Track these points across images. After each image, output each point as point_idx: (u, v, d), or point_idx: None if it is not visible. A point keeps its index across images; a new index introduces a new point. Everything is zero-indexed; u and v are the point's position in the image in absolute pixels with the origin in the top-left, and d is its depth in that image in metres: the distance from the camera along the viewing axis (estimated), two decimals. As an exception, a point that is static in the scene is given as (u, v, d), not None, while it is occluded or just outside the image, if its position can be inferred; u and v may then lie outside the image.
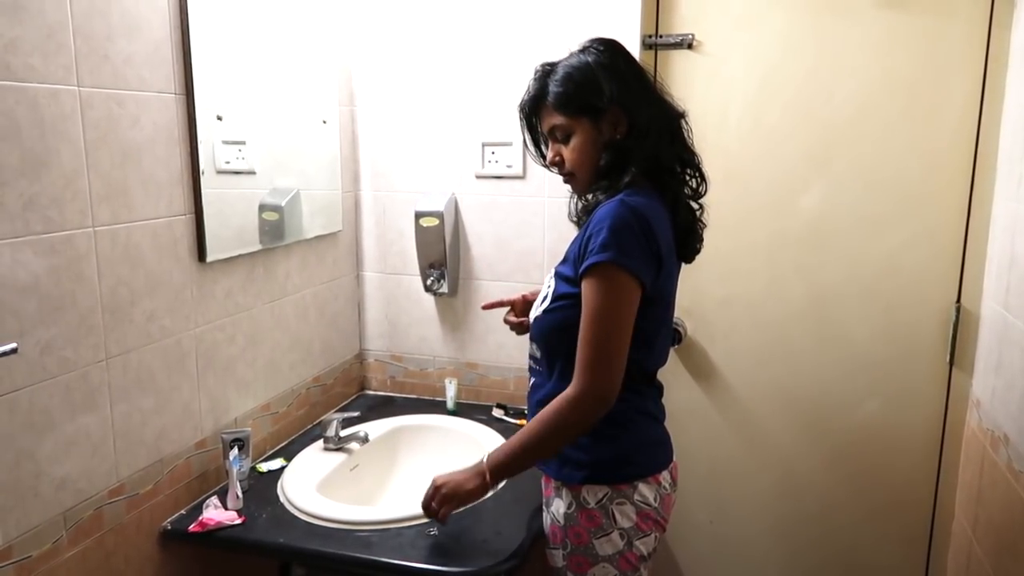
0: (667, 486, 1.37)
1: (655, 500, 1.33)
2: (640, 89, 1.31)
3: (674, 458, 1.42)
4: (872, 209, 1.85)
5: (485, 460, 1.33)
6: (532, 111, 1.39)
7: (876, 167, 1.83)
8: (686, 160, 1.35)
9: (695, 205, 1.39)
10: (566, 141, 1.34)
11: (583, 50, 1.34)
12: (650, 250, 1.23)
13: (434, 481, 1.36)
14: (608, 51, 1.32)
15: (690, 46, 1.90)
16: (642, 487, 1.32)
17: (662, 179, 1.32)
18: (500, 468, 1.32)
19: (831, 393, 1.96)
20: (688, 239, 1.37)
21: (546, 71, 1.36)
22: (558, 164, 1.37)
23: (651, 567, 1.40)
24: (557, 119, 1.33)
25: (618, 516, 1.31)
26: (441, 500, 1.34)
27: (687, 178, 1.36)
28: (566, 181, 1.40)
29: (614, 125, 1.30)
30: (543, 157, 1.43)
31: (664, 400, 1.44)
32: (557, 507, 1.37)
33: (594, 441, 1.32)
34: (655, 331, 1.33)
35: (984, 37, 1.72)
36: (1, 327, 1.16)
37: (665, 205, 1.31)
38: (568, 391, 1.24)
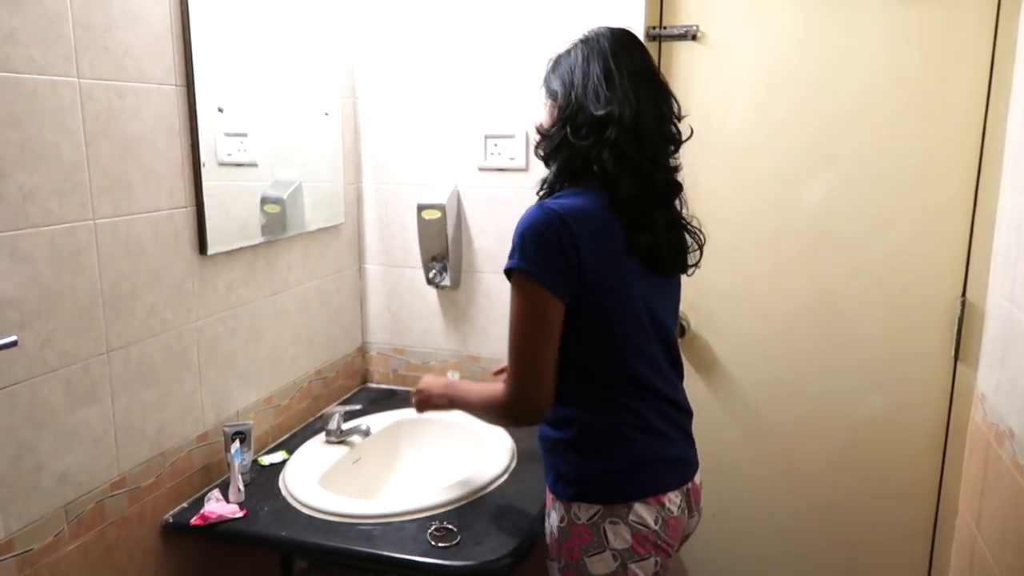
0: (674, 509, 1.27)
1: (655, 523, 1.24)
2: (580, 80, 1.24)
3: (696, 480, 1.34)
4: (877, 202, 1.84)
5: (449, 392, 1.44)
6: None
7: (881, 160, 1.82)
8: (640, 162, 1.23)
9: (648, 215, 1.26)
10: None
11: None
12: (560, 257, 1.17)
13: (419, 387, 1.51)
14: (590, 41, 1.28)
15: (694, 38, 1.88)
16: (639, 508, 1.24)
17: (600, 180, 1.23)
18: (452, 404, 1.43)
19: (835, 387, 1.95)
20: (649, 254, 1.26)
21: None
22: None
23: None
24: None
25: (611, 536, 1.24)
26: (417, 403, 1.52)
27: (641, 183, 1.24)
28: None
29: (550, 114, 1.29)
30: None
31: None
32: (552, 519, 1.32)
33: (583, 457, 1.27)
34: (618, 339, 1.24)
35: (991, 29, 1.71)
36: (1, 320, 1.15)
37: (601, 204, 1.22)
38: (502, 395, 1.26)
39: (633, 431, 1.26)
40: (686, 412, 1.36)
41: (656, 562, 1.26)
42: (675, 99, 1.30)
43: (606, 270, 1.21)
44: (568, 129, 1.24)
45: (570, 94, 1.25)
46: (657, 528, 1.25)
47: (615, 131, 1.21)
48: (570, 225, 1.18)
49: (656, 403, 1.29)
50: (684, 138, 1.32)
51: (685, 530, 1.34)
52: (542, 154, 1.32)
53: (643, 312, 1.27)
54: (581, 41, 1.29)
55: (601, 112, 1.21)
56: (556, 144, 1.26)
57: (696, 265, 1.37)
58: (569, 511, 1.27)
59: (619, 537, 1.24)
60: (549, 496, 1.35)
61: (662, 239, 1.27)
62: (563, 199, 1.22)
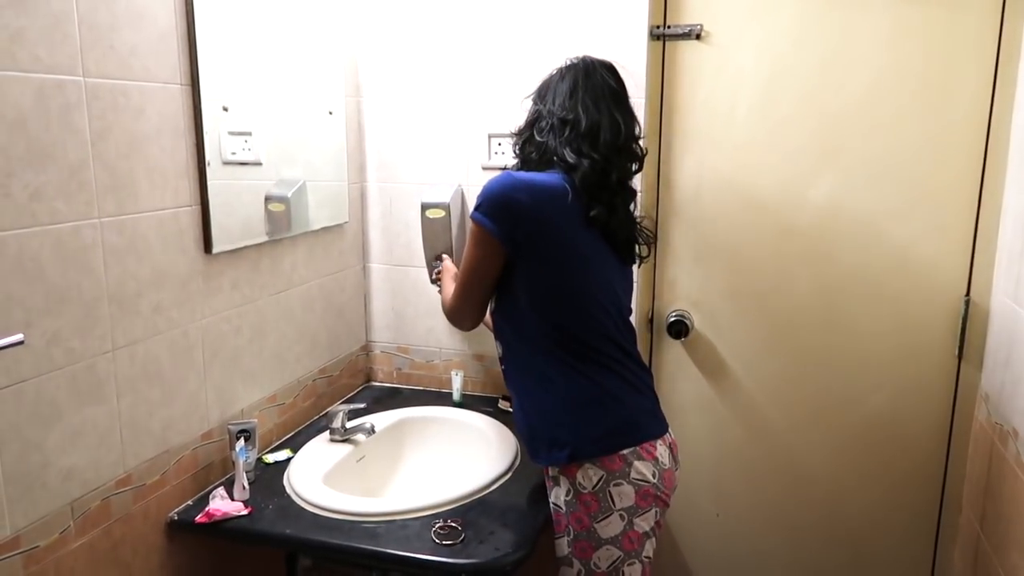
0: (665, 461, 1.41)
1: (654, 476, 1.37)
2: (552, 91, 1.47)
3: (670, 435, 1.46)
4: (881, 201, 1.84)
5: (441, 279, 1.82)
6: None
7: (886, 159, 1.82)
8: (595, 159, 1.40)
9: (624, 211, 1.47)
10: None
11: None
12: (510, 214, 1.35)
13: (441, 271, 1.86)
14: (570, 66, 1.49)
15: (698, 37, 1.88)
16: (638, 464, 1.36)
17: (562, 169, 1.42)
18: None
19: (838, 386, 1.95)
20: (612, 238, 1.45)
21: None
22: None
23: (656, 543, 1.43)
24: None
25: (616, 497, 1.35)
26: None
27: (590, 174, 1.40)
28: None
29: (526, 116, 1.52)
30: None
31: (656, 382, 1.53)
32: (557, 495, 1.41)
33: (575, 418, 1.38)
34: (568, 293, 1.39)
35: (996, 28, 1.70)
36: (8, 318, 1.16)
37: (564, 182, 1.39)
38: (446, 303, 1.60)
39: (618, 385, 1.41)
40: (649, 373, 1.52)
41: (656, 512, 1.40)
42: (638, 123, 1.49)
43: (563, 232, 1.38)
44: (533, 130, 1.48)
45: (539, 103, 1.49)
46: (656, 481, 1.38)
47: (572, 132, 1.42)
48: (524, 189, 1.36)
49: (629, 362, 1.45)
50: (644, 155, 1.52)
51: (675, 481, 1.46)
52: (513, 147, 1.55)
53: (605, 281, 1.44)
54: (564, 66, 1.51)
55: (558, 116, 1.43)
56: (524, 140, 1.50)
57: (645, 258, 1.58)
58: (574, 482, 1.37)
59: (624, 497, 1.36)
60: (548, 475, 1.44)
61: (617, 220, 1.44)
62: (527, 172, 1.43)
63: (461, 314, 1.53)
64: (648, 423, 1.42)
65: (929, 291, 1.85)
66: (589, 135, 1.41)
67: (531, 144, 1.48)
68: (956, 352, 1.85)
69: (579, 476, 1.36)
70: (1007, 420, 1.59)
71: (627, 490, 1.35)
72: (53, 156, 1.21)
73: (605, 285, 1.44)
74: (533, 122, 1.49)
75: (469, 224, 2.07)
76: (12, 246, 1.16)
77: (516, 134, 1.54)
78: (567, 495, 1.38)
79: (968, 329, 1.83)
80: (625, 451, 1.36)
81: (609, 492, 1.35)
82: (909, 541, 1.98)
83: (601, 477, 1.35)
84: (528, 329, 1.42)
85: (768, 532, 2.08)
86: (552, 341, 1.40)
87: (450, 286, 1.68)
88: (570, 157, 1.40)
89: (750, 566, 2.12)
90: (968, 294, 1.82)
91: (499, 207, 1.36)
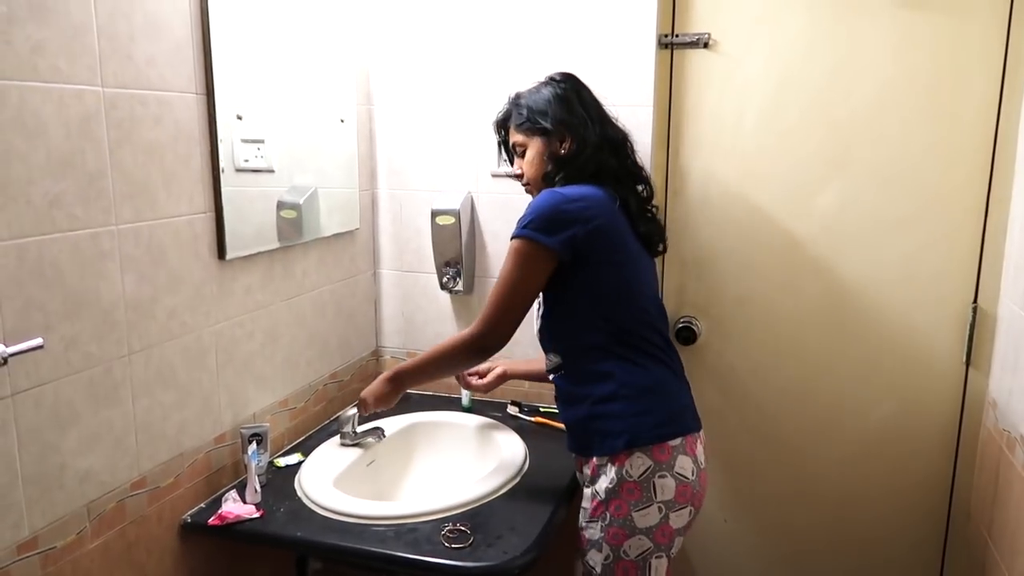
0: (702, 460, 1.47)
1: (692, 474, 1.43)
2: (585, 113, 1.52)
3: (703, 433, 1.51)
4: (889, 209, 1.84)
5: (391, 371, 1.64)
6: (504, 131, 1.64)
7: (893, 167, 1.83)
8: (632, 173, 1.56)
9: (647, 211, 1.57)
10: (523, 156, 1.57)
11: (544, 82, 1.57)
12: (568, 218, 1.40)
13: (360, 398, 1.67)
14: (563, 82, 1.55)
15: (706, 45, 1.90)
16: (681, 459, 1.42)
17: (604, 182, 1.49)
18: (403, 378, 1.64)
19: (847, 393, 1.96)
20: (648, 240, 1.55)
21: (513, 98, 1.60)
22: (519, 176, 1.60)
23: (680, 545, 1.47)
24: (517, 137, 1.58)
25: (658, 489, 1.40)
26: (366, 408, 1.65)
27: (635, 188, 1.55)
28: (527, 191, 1.62)
29: (560, 142, 1.52)
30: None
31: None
32: (600, 483, 1.44)
33: (633, 408, 1.42)
34: (625, 290, 1.46)
35: (1003, 37, 1.71)
36: (28, 323, 1.18)
37: (608, 194, 1.47)
38: (472, 332, 1.47)
39: (669, 376, 1.49)
40: (680, 361, 1.57)
41: (691, 512, 1.45)
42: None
43: (616, 239, 1.45)
44: (589, 150, 1.49)
45: (585, 122, 1.51)
46: (694, 479, 1.43)
47: (631, 149, 1.55)
48: (574, 199, 1.42)
49: (671, 351, 1.53)
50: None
51: (707, 482, 1.50)
52: (554, 174, 1.52)
53: (649, 276, 1.55)
54: (555, 81, 1.56)
55: (617, 135, 1.54)
56: (581, 163, 1.49)
57: (665, 250, 1.65)
58: (621, 470, 1.41)
59: (665, 489, 1.41)
60: (591, 463, 1.46)
61: (655, 227, 1.57)
62: (572, 187, 1.46)
63: (501, 328, 1.45)
64: (691, 417, 1.50)
65: (937, 298, 1.85)
66: (622, 146, 1.54)
67: (592, 165, 1.49)
68: (964, 359, 1.86)
69: (627, 464, 1.40)
70: (1015, 427, 1.59)
71: (669, 483, 1.40)
72: (72, 164, 1.24)
73: (649, 280, 1.55)
74: (595, 143, 1.51)
75: (484, 234, 2.11)
76: (32, 252, 1.18)
77: (570, 158, 1.51)
78: (611, 483, 1.42)
79: (976, 336, 1.83)
80: (674, 442, 1.41)
81: (653, 483, 1.40)
82: (917, 548, 1.98)
83: (648, 467, 1.40)
84: (586, 331, 1.46)
85: (776, 538, 2.09)
86: (610, 337, 1.45)
87: (430, 350, 1.59)
88: (617, 171, 1.51)
89: (757, 572, 2.12)
90: (976, 301, 1.83)
91: (552, 219, 1.40)
